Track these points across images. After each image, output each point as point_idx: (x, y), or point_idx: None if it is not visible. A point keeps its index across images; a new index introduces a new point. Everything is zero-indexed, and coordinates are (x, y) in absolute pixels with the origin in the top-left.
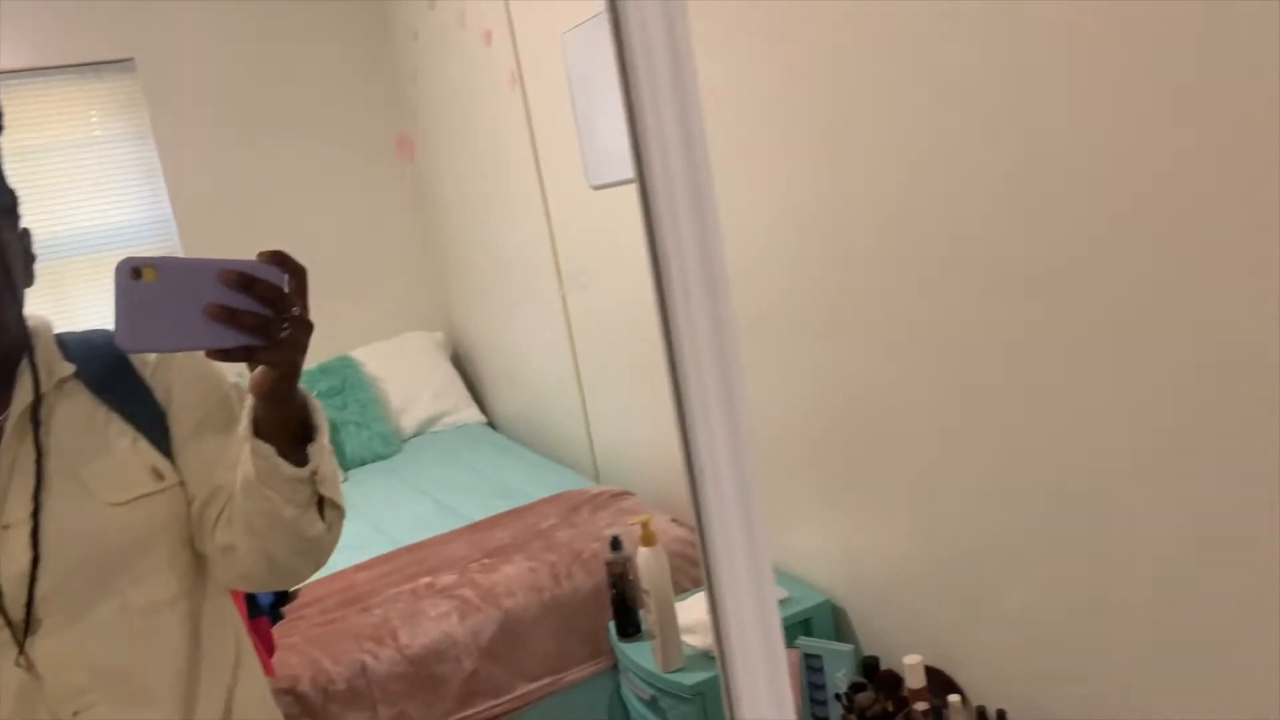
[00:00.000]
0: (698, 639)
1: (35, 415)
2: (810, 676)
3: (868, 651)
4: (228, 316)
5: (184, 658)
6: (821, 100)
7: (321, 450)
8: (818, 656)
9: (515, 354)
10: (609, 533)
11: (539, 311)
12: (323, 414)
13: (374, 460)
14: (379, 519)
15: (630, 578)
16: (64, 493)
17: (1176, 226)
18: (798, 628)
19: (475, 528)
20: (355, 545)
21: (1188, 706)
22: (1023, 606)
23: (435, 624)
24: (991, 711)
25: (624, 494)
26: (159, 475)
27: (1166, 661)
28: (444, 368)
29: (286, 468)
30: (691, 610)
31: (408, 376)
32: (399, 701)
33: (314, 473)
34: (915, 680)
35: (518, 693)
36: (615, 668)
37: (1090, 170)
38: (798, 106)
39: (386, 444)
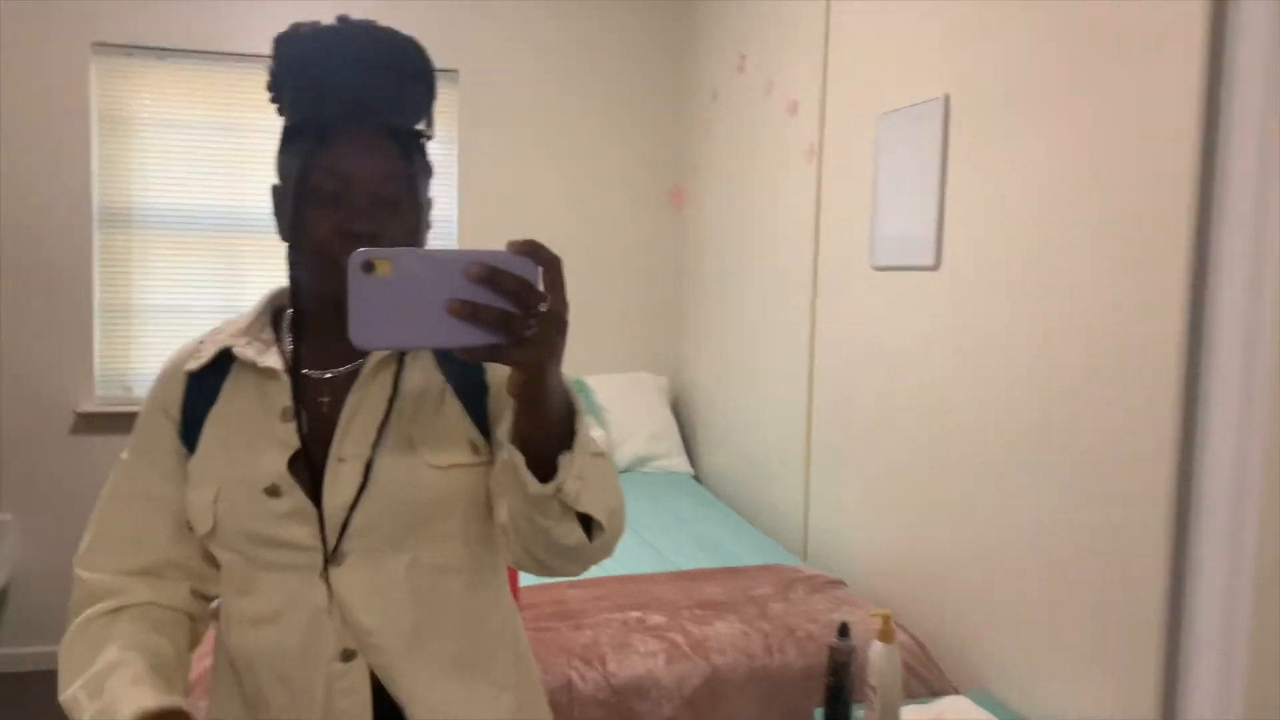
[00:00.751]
0: None
1: (399, 367)
2: None
3: None
4: (470, 313)
5: (462, 625)
6: None
7: (574, 463)
8: None
9: (741, 416)
10: (833, 617)
11: (779, 381)
12: (587, 421)
13: None
14: None
15: (852, 669)
16: (395, 445)
17: None
18: None
19: (685, 575)
20: None
21: None
22: None
23: (643, 660)
24: None
25: (839, 583)
26: (475, 449)
27: None
28: (663, 412)
29: (531, 485)
30: (910, 716)
31: (630, 413)
32: None
33: (559, 489)
34: None
35: None
36: None
37: None
38: None
39: None
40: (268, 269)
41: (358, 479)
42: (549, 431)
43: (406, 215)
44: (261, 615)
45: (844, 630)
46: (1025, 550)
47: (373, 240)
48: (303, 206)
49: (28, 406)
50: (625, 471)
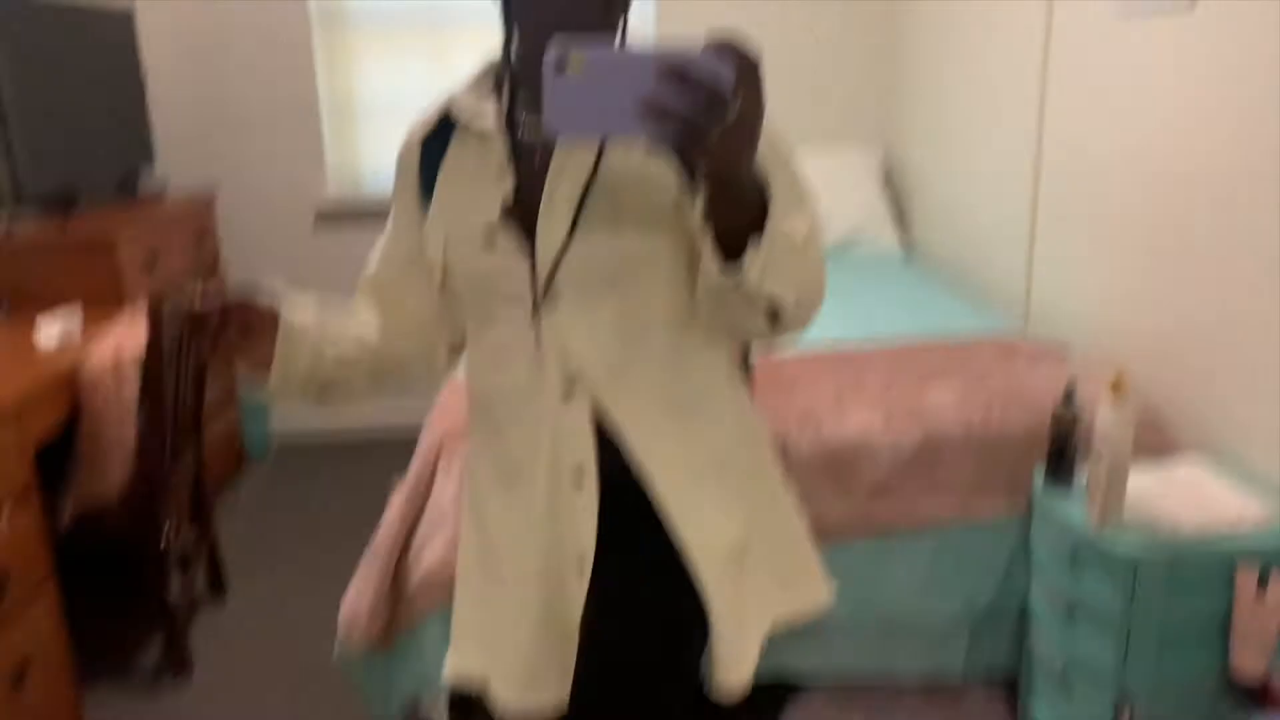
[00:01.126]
0: (1136, 511)
1: None
2: None
3: None
4: (656, 113)
5: (670, 369)
6: None
7: (761, 253)
8: None
9: (958, 186)
10: (1058, 380)
11: (1004, 146)
12: (786, 200)
13: None
14: None
15: (1077, 432)
16: (603, 192)
17: None
18: None
19: (901, 348)
20: None
21: None
22: None
23: (858, 424)
24: None
25: (1063, 350)
26: (680, 207)
27: None
28: (874, 187)
29: (713, 273)
30: (1134, 481)
31: (839, 188)
32: (810, 483)
33: (741, 278)
34: None
35: (925, 512)
36: (1027, 516)
37: None
38: None
39: None
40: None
41: (566, 229)
42: (738, 222)
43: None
44: (495, 357)
45: (1070, 390)
46: (1272, 307)
47: (576, 22)
48: None
49: (272, 205)
50: (835, 249)
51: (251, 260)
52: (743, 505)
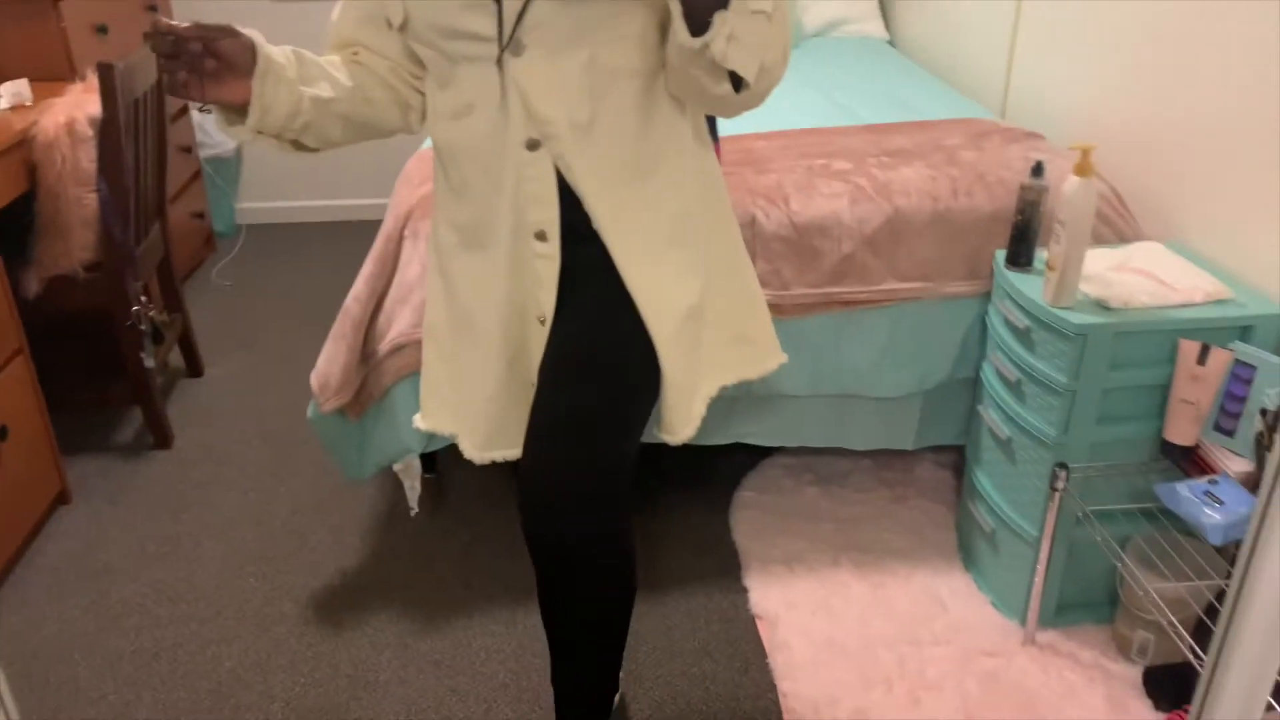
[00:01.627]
0: (1093, 289)
1: None
2: (1233, 386)
3: None
4: None
5: (635, 126)
6: None
7: (726, 23)
8: (1251, 367)
9: None
10: (1030, 157)
11: None
12: None
13: None
14: (776, 100)
15: (1041, 209)
16: None
17: None
18: (1235, 332)
19: (874, 128)
20: (750, 118)
21: None
22: None
23: (826, 201)
24: None
25: (1037, 135)
26: None
27: None
28: None
29: (682, 35)
30: (1091, 262)
31: None
32: (776, 260)
33: (706, 46)
34: None
35: (886, 286)
36: (986, 294)
37: None
38: None
39: None
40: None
41: None
42: (700, 2)
43: None
44: (457, 108)
45: (1038, 168)
46: (1237, 103)
47: None
48: None
49: None
50: (815, 36)
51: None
52: (701, 269)
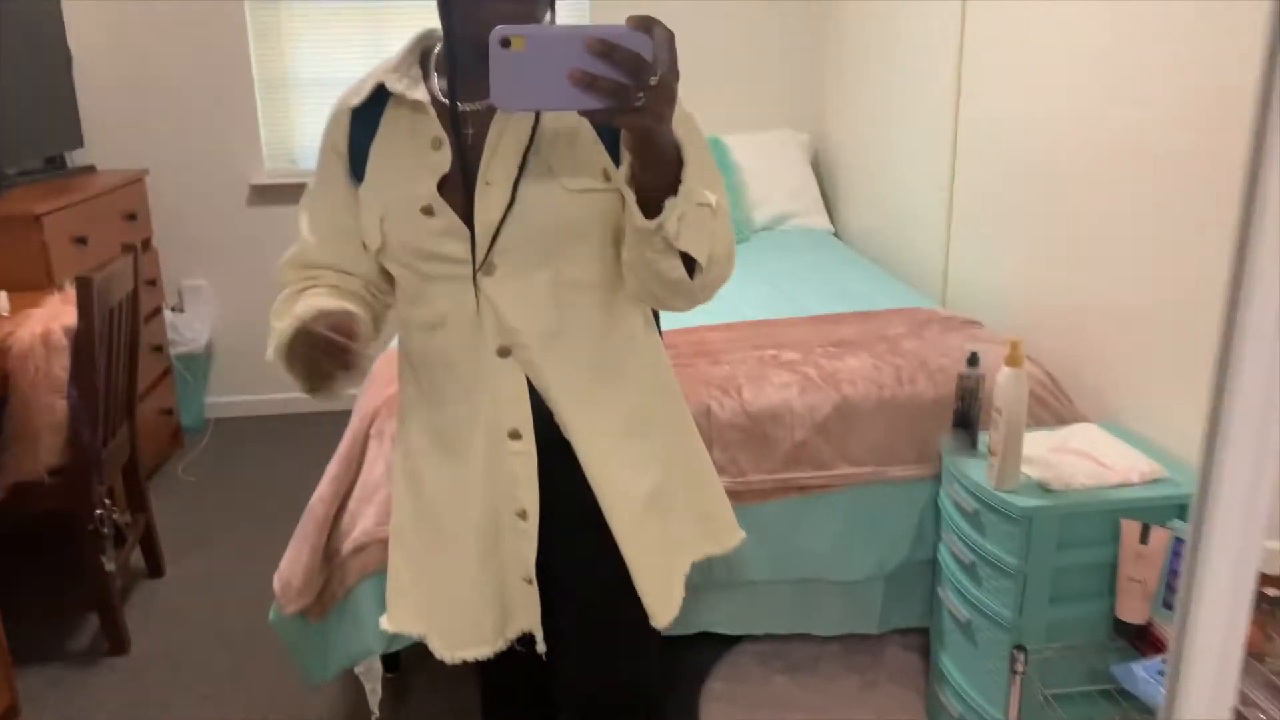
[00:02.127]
0: (1034, 470)
1: None
2: (1175, 563)
3: None
4: (587, 82)
5: (595, 333)
6: None
7: (676, 207)
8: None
9: (881, 168)
10: (967, 348)
11: (921, 130)
12: (699, 172)
13: None
14: (728, 293)
15: (980, 396)
16: (537, 170)
17: None
18: (1173, 510)
19: (820, 319)
20: (705, 308)
21: None
22: None
23: (777, 390)
24: None
25: (975, 323)
26: (606, 177)
27: None
28: (803, 170)
29: (637, 218)
30: (1031, 444)
31: (769, 172)
32: (732, 448)
33: (660, 227)
34: (1272, 566)
35: (840, 472)
36: (937, 477)
37: None
38: None
39: (738, 231)
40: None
41: (505, 200)
42: (658, 182)
43: None
44: (430, 320)
45: (973, 358)
46: (1168, 289)
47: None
48: None
49: (208, 181)
50: (764, 229)
51: (184, 239)
52: (661, 458)
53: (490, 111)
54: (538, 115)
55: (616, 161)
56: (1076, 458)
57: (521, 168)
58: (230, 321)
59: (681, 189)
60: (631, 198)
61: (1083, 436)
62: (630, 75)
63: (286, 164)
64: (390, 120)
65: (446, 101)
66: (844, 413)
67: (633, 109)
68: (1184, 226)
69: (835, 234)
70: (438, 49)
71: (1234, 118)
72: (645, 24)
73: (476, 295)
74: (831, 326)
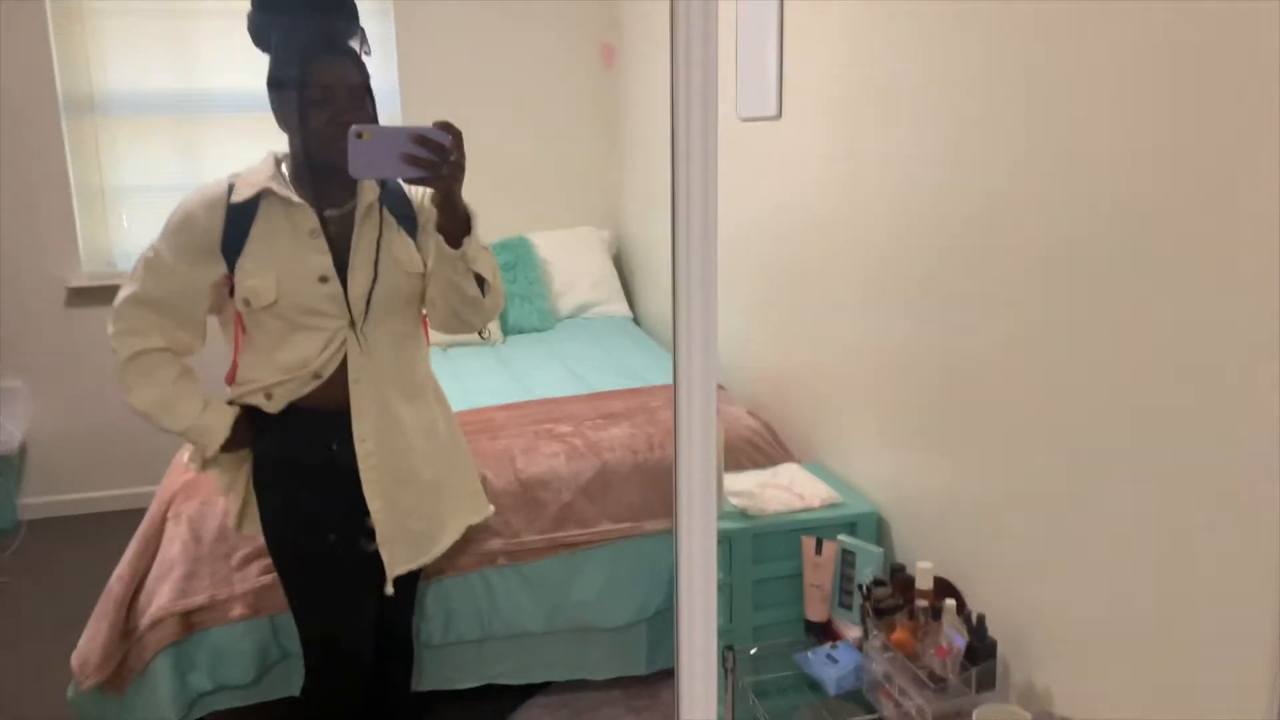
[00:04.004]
0: (741, 501)
1: (380, 211)
2: (844, 569)
3: (897, 559)
4: (412, 160)
5: (408, 367)
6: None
7: (473, 242)
8: (853, 553)
9: (662, 258)
10: None
11: None
12: (477, 226)
13: (530, 330)
14: (523, 376)
15: None
16: (386, 258)
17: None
18: (844, 527)
19: (597, 395)
20: (499, 391)
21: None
22: (1024, 540)
23: (546, 459)
24: (974, 615)
25: (720, 389)
26: (424, 264)
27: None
28: (605, 263)
29: (446, 249)
30: (745, 481)
31: (572, 265)
32: (507, 512)
33: (463, 252)
34: (924, 582)
35: (602, 528)
36: None
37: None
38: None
39: (543, 319)
40: (226, 148)
41: (370, 278)
42: (457, 230)
43: (367, 103)
44: (289, 363)
45: None
46: (863, 354)
47: (354, 122)
48: (305, 110)
49: (23, 284)
50: (569, 318)
51: (9, 334)
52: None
53: (347, 214)
54: (381, 222)
55: (418, 249)
56: (777, 490)
57: (378, 254)
58: (46, 421)
59: (473, 231)
60: (439, 238)
61: (786, 473)
62: (438, 155)
63: (105, 266)
64: (266, 214)
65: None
66: (604, 477)
67: (439, 177)
68: (878, 307)
69: (635, 320)
70: (284, 166)
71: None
72: (446, 125)
73: (359, 341)
74: (605, 401)
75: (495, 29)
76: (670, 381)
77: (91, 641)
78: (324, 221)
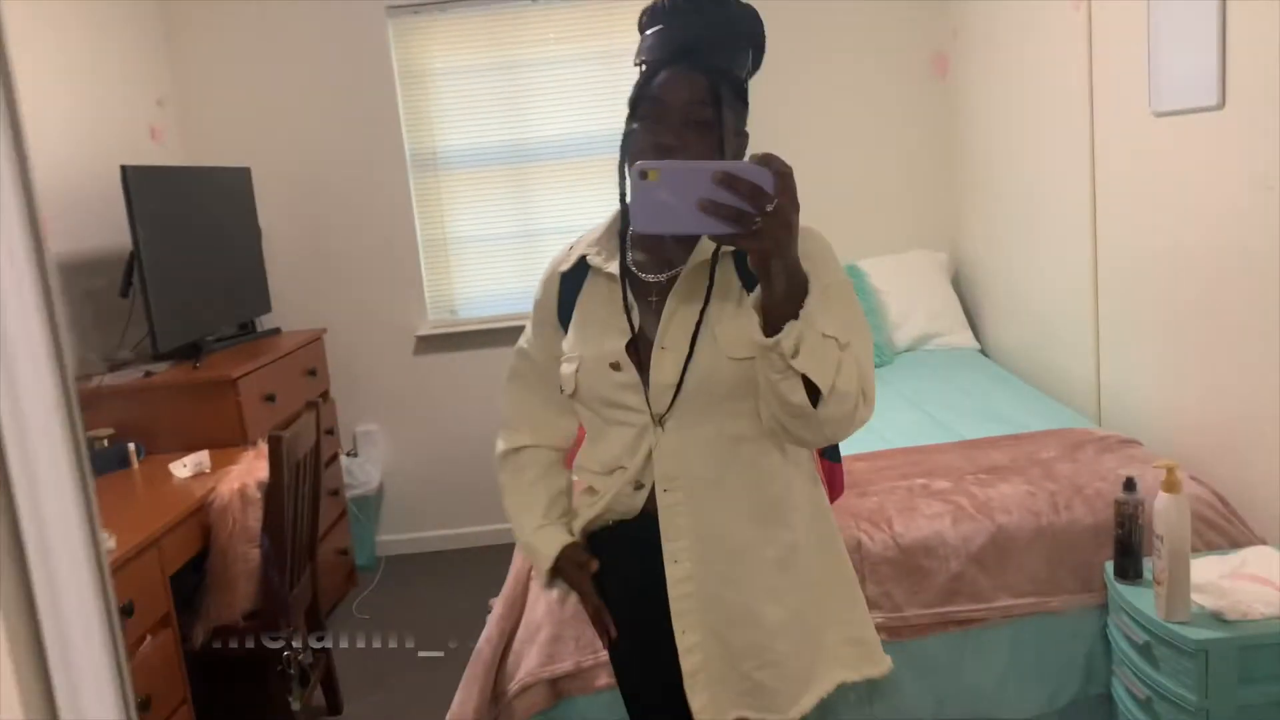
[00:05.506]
0: (1207, 599)
1: (710, 276)
2: None
3: None
4: (712, 210)
5: (751, 482)
6: None
7: (795, 328)
8: None
9: (1023, 283)
10: (1121, 473)
11: (1062, 243)
12: (824, 305)
13: None
14: (872, 420)
15: (1140, 521)
16: (704, 337)
17: None
18: None
19: (970, 444)
20: (849, 440)
21: None
22: None
23: (929, 521)
24: None
25: (1132, 442)
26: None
27: None
28: (943, 289)
29: (758, 335)
30: (1202, 570)
31: (908, 292)
32: (886, 583)
33: (777, 344)
34: None
35: (1000, 604)
36: (1104, 606)
37: None
38: None
39: (879, 354)
40: (554, 194)
41: (681, 364)
42: (782, 307)
43: (710, 133)
44: (606, 460)
45: (1130, 484)
46: None
47: (679, 153)
48: (634, 131)
49: (378, 333)
50: (907, 351)
51: (357, 388)
52: (806, 589)
53: (671, 282)
54: (709, 292)
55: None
56: (1254, 584)
57: (696, 334)
58: (399, 462)
59: (803, 313)
60: (756, 319)
61: (1260, 560)
62: (750, 202)
63: (447, 314)
64: (591, 284)
65: (636, 272)
66: (1000, 543)
67: (752, 233)
68: None
69: (982, 351)
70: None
71: None
72: (765, 160)
73: (655, 442)
74: (981, 451)
75: (818, 40)
76: (1054, 426)
77: (463, 706)
78: (641, 291)
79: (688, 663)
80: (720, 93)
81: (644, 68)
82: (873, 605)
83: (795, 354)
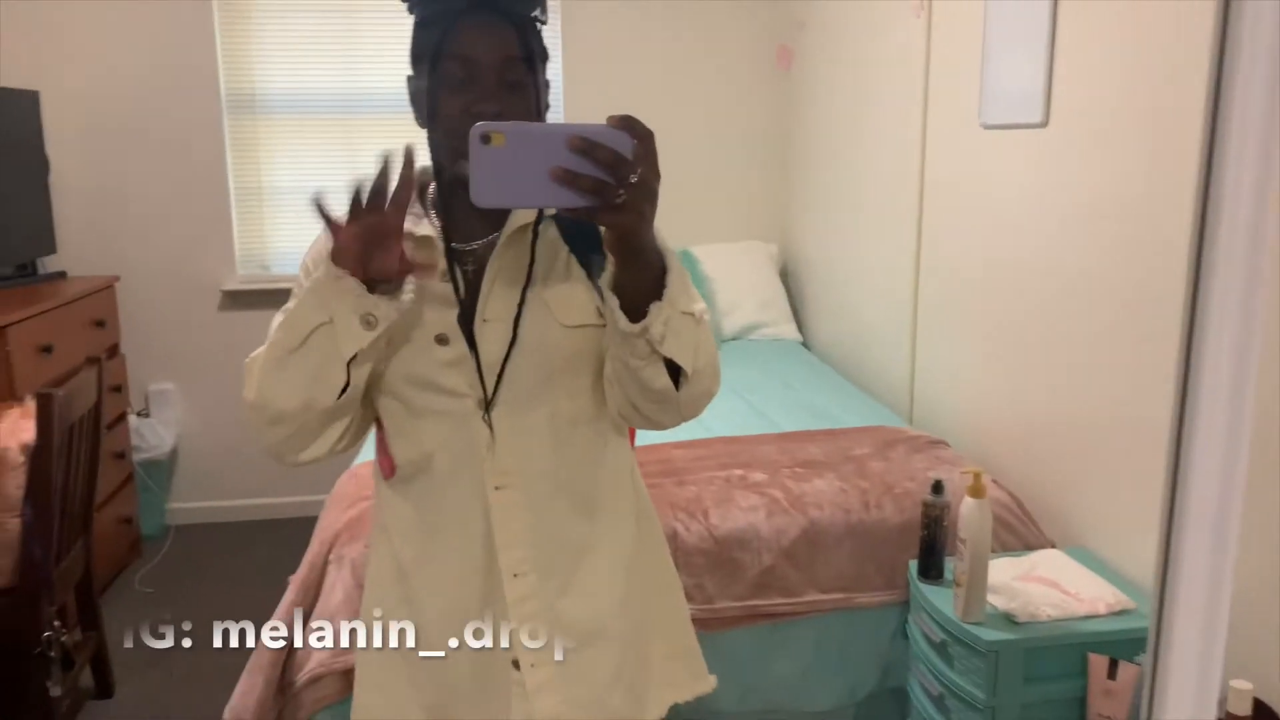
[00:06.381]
0: (1000, 600)
1: (533, 238)
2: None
3: None
4: (568, 179)
5: (588, 467)
6: None
7: (662, 311)
8: None
9: (848, 281)
10: (930, 475)
11: (887, 245)
12: (682, 279)
13: None
14: None
15: (945, 524)
16: (533, 305)
17: None
18: (1142, 644)
19: (787, 437)
20: None
21: None
22: None
23: (744, 514)
24: None
25: (941, 443)
26: (599, 313)
27: None
28: (773, 280)
29: (622, 322)
30: (997, 571)
31: (738, 281)
32: (699, 574)
33: (645, 330)
34: (1240, 706)
35: (808, 598)
36: (905, 603)
37: None
38: None
39: None
40: (383, 148)
41: (507, 336)
42: (641, 286)
43: (527, 96)
44: (416, 458)
45: (938, 486)
46: (1130, 410)
47: (497, 118)
48: (436, 92)
49: (180, 285)
50: (733, 339)
51: (153, 344)
52: (644, 596)
53: (488, 249)
54: (532, 254)
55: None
56: (1042, 586)
57: (521, 302)
58: (198, 426)
59: (666, 294)
60: (614, 302)
61: (1049, 564)
62: (611, 172)
63: (259, 269)
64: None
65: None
66: (811, 537)
67: (613, 206)
68: (1150, 345)
69: (804, 344)
70: (431, 188)
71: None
72: (626, 123)
73: (485, 428)
74: (799, 445)
75: (663, 29)
76: (869, 423)
77: (245, 698)
78: (460, 258)
79: (537, 682)
80: (532, 46)
81: (421, 14)
82: (687, 597)
83: (663, 340)
